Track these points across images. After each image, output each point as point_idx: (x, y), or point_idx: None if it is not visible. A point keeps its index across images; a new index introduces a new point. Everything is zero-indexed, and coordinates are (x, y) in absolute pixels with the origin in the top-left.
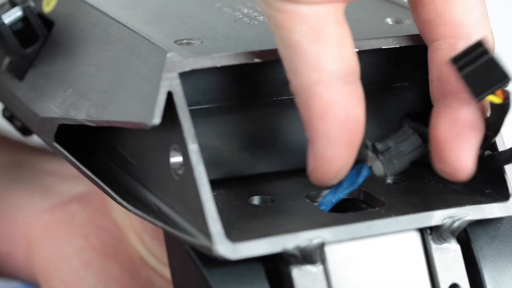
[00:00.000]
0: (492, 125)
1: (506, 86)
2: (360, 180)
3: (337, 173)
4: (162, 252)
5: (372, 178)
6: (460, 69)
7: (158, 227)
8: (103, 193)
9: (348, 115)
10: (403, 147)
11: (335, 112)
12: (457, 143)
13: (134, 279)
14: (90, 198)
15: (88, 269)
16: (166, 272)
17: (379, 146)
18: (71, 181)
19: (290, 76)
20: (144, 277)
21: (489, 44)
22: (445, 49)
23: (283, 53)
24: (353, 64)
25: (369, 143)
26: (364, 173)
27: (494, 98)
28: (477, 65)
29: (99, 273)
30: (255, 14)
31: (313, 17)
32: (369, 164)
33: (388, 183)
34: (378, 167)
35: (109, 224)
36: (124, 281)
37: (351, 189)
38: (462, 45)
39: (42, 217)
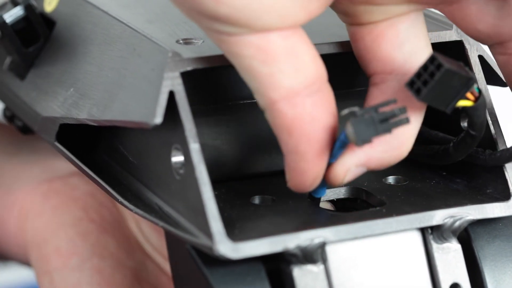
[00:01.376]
0: (475, 126)
1: (473, 88)
2: (338, 150)
3: (312, 182)
4: (158, 241)
5: (373, 178)
6: (417, 92)
7: (159, 226)
8: None
9: (314, 127)
10: (379, 116)
11: (300, 127)
12: None
13: (129, 257)
14: None
15: (85, 240)
16: (160, 260)
17: (358, 111)
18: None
19: (255, 95)
20: (139, 258)
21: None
22: (379, 83)
23: (241, 75)
24: (313, 73)
25: (355, 109)
26: (341, 138)
27: (466, 102)
28: (435, 80)
29: (96, 246)
30: None
31: (257, 39)
32: (346, 130)
33: (390, 182)
34: (350, 132)
35: (108, 203)
36: (119, 257)
37: (332, 160)
38: (392, 79)
39: (41, 186)
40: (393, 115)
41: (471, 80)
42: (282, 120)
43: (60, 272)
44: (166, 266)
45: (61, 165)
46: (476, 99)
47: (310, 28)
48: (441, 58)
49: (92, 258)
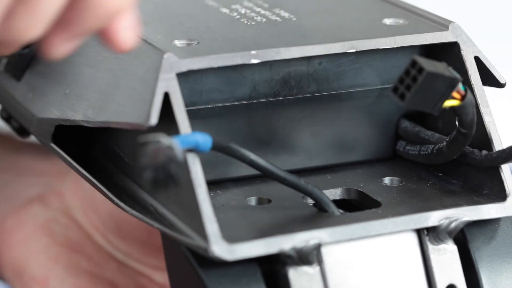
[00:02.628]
0: (465, 124)
1: (458, 87)
2: None
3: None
4: (128, 247)
5: (369, 179)
6: (401, 97)
7: (154, 228)
8: (61, 194)
9: None
10: None
11: None
12: None
13: (103, 269)
14: (49, 199)
15: (57, 263)
16: (135, 264)
17: None
18: (27, 179)
19: None
20: (113, 267)
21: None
22: None
23: None
24: None
25: None
26: None
27: (453, 102)
28: (418, 84)
29: (68, 267)
30: (253, 14)
31: None
32: None
33: (385, 183)
34: None
35: (71, 223)
36: (94, 272)
37: None
38: None
39: (7, 221)
40: None
41: (455, 80)
42: None
43: None
44: (143, 268)
45: (19, 191)
46: (463, 98)
47: (304, 28)
48: (423, 62)
49: (68, 278)
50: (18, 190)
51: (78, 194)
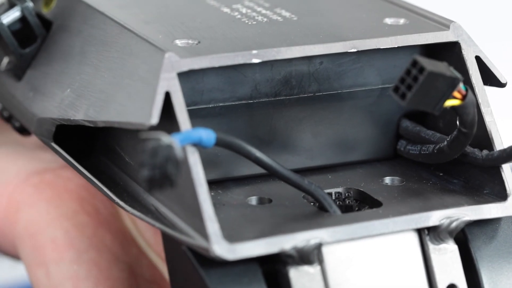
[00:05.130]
0: (466, 123)
1: (459, 86)
2: None
3: None
4: (152, 237)
5: (369, 178)
6: (402, 97)
7: (155, 227)
8: None
9: None
10: None
11: None
12: None
13: (125, 252)
14: None
15: (81, 233)
16: (154, 256)
17: None
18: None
19: None
20: (134, 253)
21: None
22: None
23: None
24: None
25: None
26: None
27: (454, 101)
28: (419, 84)
29: (92, 239)
30: (254, 14)
31: None
32: None
33: (386, 183)
34: None
35: (102, 196)
36: (115, 252)
37: None
38: None
39: (31, 178)
40: None
41: (456, 79)
42: None
43: (56, 264)
44: (160, 262)
45: (49, 157)
46: (464, 97)
47: (305, 28)
48: (423, 61)
49: (89, 251)
50: (48, 157)
51: None
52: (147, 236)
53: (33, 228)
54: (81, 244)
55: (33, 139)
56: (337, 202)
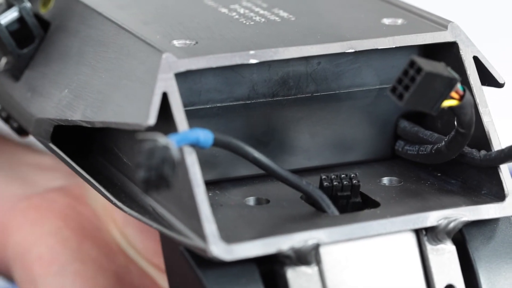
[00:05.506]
0: (464, 123)
1: (457, 87)
2: None
3: None
4: (142, 244)
5: (367, 179)
6: (400, 97)
7: (153, 228)
8: (82, 185)
9: None
10: None
11: None
12: None
13: (111, 261)
14: (69, 188)
15: (65, 247)
16: (143, 263)
17: None
18: (49, 173)
19: None
20: (121, 262)
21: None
22: None
23: None
24: None
25: None
26: None
27: (451, 102)
28: (417, 84)
29: (76, 252)
30: (251, 14)
31: None
32: None
33: (384, 183)
34: None
35: (88, 212)
36: (100, 262)
37: None
38: None
39: (20, 203)
40: None
41: (454, 80)
42: None
43: (43, 279)
44: (150, 269)
45: (39, 180)
46: (462, 98)
47: (303, 28)
48: (421, 62)
49: (73, 263)
50: (37, 180)
51: None
52: (136, 244)
53: (21, 249)
54: (65, 257)
55: (27, 158)
56: (335, 183)
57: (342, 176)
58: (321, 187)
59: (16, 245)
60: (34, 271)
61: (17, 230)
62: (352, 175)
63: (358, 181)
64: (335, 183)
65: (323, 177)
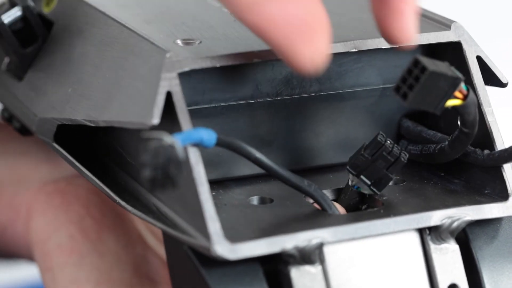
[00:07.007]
0: (467, 123)
1: (460, 86)
2: None
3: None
4: (159, 231)
5: None
6: (404, 96)
7: (157, 227)
8: None
9: None
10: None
11: None
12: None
13: (129, 252)
14: None
15: (85, 237)
16: (163, 252)
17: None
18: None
19: None
20: (138, 252)
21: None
22: None
23: None
24: None
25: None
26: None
27: (455, 101)
28: (421, 83)
29: (95, 243)
30: None
31: None
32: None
33: None
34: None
35: (109, 200)
36: (118, 254)
37: None
38: None
39: (46, 186)
40: None
41: (458, 79)
42: None
43: (61, 269)
44: None
45: (67, 165)
46: (465, 97)
47: None
48: (425, 61)
49: (91, 255)
50: (66, 164)
51: None
52: (158, 231)
53: (43, 235)
54: (84, 248)
55: None
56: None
57: (397, 146)
58: (375, 139)
59: (38, 230)
60: (53, 259)
61: (40, 215)
62: (404, 152)
63: (405, 159)
64: (387, 143)
65: (381, 132)
